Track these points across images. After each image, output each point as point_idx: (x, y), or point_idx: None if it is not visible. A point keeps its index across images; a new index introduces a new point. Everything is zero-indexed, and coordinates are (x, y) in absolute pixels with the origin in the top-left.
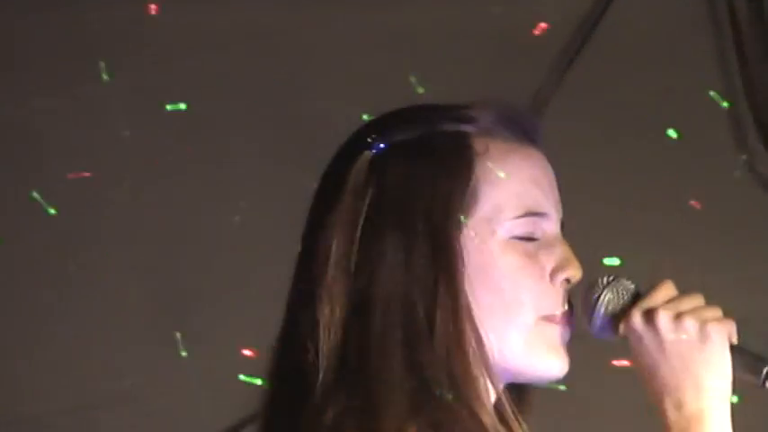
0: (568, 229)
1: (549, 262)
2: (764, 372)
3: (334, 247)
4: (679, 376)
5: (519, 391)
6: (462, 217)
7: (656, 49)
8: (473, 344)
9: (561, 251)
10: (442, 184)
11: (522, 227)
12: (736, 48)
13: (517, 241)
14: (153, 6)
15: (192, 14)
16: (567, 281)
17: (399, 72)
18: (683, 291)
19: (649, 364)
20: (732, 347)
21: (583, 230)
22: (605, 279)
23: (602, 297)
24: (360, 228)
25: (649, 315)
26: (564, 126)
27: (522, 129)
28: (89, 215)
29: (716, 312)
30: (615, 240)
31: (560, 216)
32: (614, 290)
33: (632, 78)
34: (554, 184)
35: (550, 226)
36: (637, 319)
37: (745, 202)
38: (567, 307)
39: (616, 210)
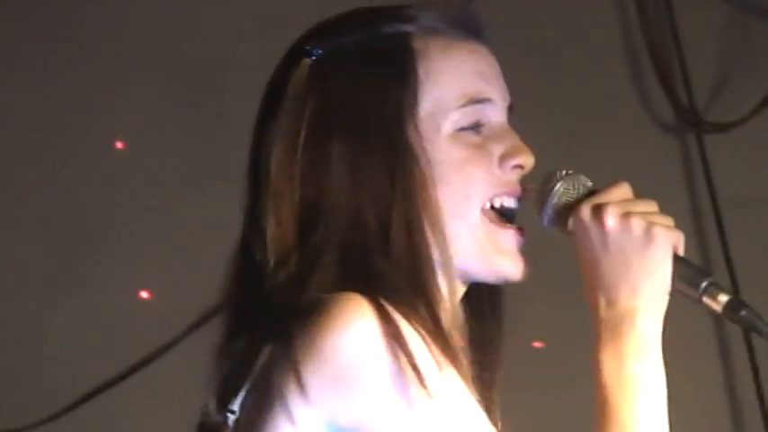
0: None
1: (498, 149)
2: (703, 285)
3: (274, 159)
4: (617, 273)
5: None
6: (410, 117)
7: None
8: (431, 246)
9: (510, 139)
10: (387, 87)
11: (466, 116)
12: None
13: (463, 132)
14: None
15: None
16: (520, 167)
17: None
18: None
19: (591, 259)
20: (676, 257)
21: None
22: (564, 171)
23: (556, 187)
24: (302, 137)
25: (598, 210)
26: None
27: (465, 25)
28: None
29: (667, 220)
30: None
31: (507, 104)
32: (570, 182)
33: (533, 23)
34: (500, 75)
35: (496, 114)
36: (586, 212)
37: (644, 143)
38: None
39: None
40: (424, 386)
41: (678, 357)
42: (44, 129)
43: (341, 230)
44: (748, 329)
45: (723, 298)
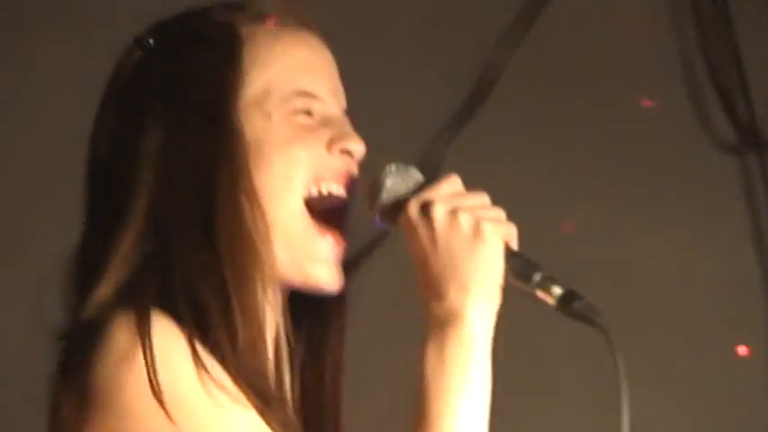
0: (531, 185)
1: (327, 134)
2: (536, 278)
3: (100, 149)
4: (446, 270)
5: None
6: (233, 99)
7: (611, 12)
8: (252, 237)
9: (341, 125)
10: (211, 71)
11: (292, 106)
12: (692, 10)
13: (294, 116)
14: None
15: None
16: (348, 153)
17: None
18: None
19: (420, 256)
20: (508, 251)
21: (541, 191)
22: (393, 166)
23: (386, 182)
24: (123, 123)
25: (426, 207)
26: (521, 87)
27: (295, 14)
28: None
29: (497, 213)
30: (572, 202)
31: (340, 103)
32: (400, 177)
33: (588, 41)
34: (332, 68)
35: (324, 108)
36: (414, 209)
37: (703, 164)
38: (345, 191)
39: (569, 170)
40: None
41: None
42: None
43: (155, 220)
44: (582, 321)
45: (556, 291)
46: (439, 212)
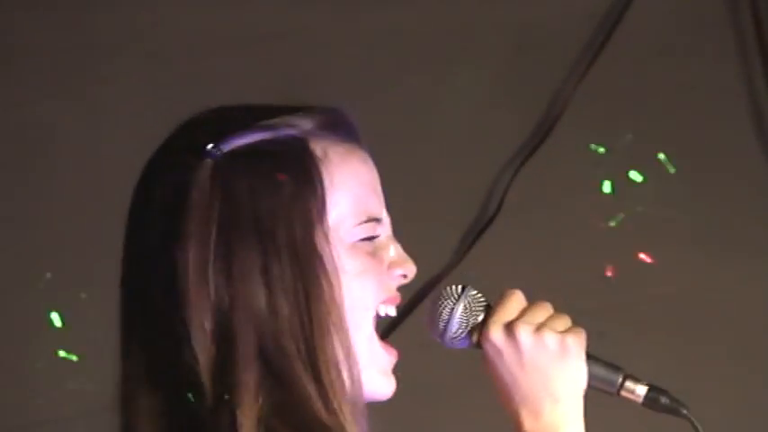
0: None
1: (387, 257)
2: (619, 381)
3: (190, 267)
4: (538, 388)
5: None
6: (319, 226)
7: (675, 46)
8: (342, 359)
9: (396, 250)
10: (295, 195)
11: (364, 231)
12: (757, 42)
13: (360, 243)
14: None
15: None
16: (404, 276)
17: (414, 71)
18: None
19: (508, 377)
20: (588, 358)
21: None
22: (454, 289)
23: (455, 309)
24: (212, 244)
25: (509, 329)
26: (583, 124)
27: (348, 130)
28: None
29: (568, 322)
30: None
31: (389, 221)
32: (466, 301)
33: (652, 75)
34: (379, 186)
35: (385, 229)
36: (497, 333)
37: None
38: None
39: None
40: None
41: None
42: None
43: (258, 342)
44: (669, 414)
45: (641, 390)
46: (524, 334)
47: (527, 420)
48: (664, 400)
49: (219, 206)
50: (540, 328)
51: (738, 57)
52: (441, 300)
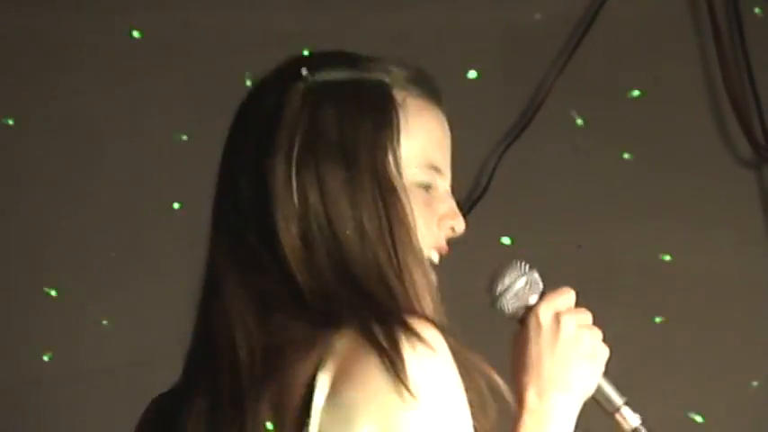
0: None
1: (441, 210)
2: (618, 403)
3: (278, 175)
4: (557, 374)
5: None
6: (393, 160)
7: (644, 46)
8: (421, 277)
9: (450, 205)
10: (376, 129)
11: (424, 174)
12: (715, 43)
13: (416, 188)
14: None
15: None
16: (452, 230)
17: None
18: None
19: (534, 353)
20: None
21: (597, 210)
22: (523, 266)
23: (518, 282)
24: (295, 154)
25: (557, 315)
26: (564, 116)
27: (431, 90)
28: None
29: (599, 334)
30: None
31: (450, 178)
32: (528, 280)
33: (624, 72)
34: (450, 148)
35: (444, 183)
36: (547, 313)
37: (729, 184)
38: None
39: (608, 188)
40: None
41: None
42: None
43: (348, 253)
44: None
45: (634, 421)
46: (569, 325)
47: (531, 396)
48: None
49: (308, 121)
50: (583, 327)
51: (698, 56)
52: (509, 269)
